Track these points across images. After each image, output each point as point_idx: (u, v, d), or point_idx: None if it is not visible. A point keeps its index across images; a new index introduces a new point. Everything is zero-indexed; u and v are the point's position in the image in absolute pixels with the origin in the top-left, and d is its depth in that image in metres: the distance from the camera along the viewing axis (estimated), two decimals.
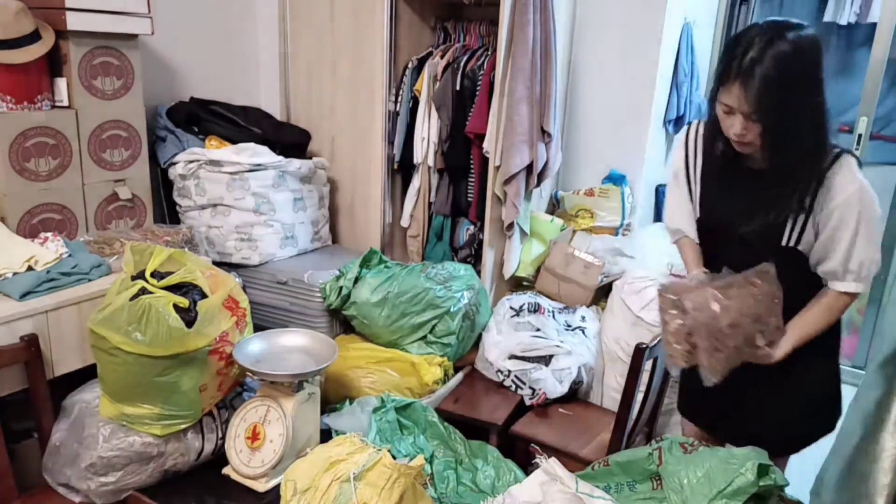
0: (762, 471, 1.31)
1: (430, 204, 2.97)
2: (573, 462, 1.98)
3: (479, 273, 2.75)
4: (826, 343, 1.59)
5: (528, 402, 2.27)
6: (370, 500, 1.36)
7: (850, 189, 1.51)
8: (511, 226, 2.63)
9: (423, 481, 1.50)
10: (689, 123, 1.68)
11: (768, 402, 1.62)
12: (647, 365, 1.89)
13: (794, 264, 1.52)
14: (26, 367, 1.77)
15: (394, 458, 1.88)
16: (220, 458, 1.84)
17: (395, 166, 2.97)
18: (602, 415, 2.28)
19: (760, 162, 1.53)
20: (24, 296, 1.81)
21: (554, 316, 2.50)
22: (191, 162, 2.58)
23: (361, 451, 1.46)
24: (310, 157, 2.87)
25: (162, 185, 2.71)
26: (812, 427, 1.63)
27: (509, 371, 2.32)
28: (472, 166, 2.81)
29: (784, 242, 1.52)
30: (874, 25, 3.03)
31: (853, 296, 1.52)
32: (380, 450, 1.43)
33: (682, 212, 1.69)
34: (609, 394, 2.37)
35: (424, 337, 2.40)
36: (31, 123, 2.09)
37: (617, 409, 1.94)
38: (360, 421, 1.98)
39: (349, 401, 2.12)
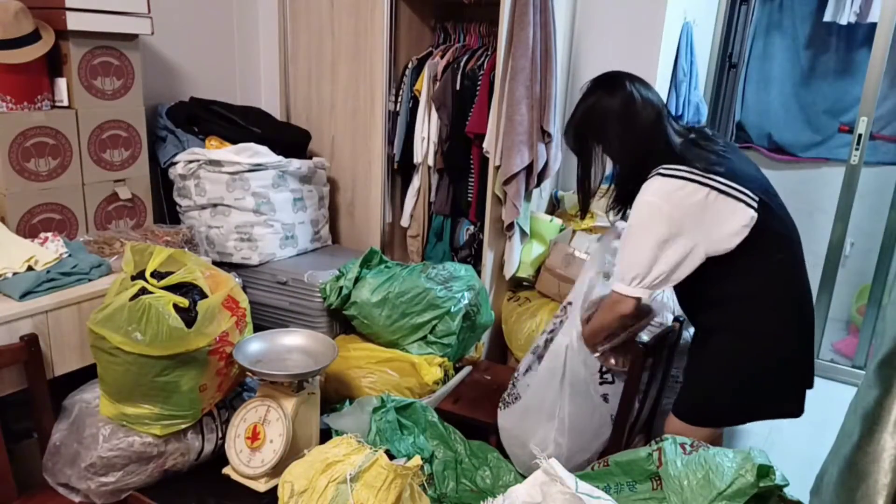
0: (762, 472, 1.31)
1: (430, 204, 2.97)
2: None
3: (479, 273, 2.75)
4: (729, 329, 1.72)
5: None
6: (367, 501, 1.36)
7: (638, 199, 1.69)
8: (511, 226, 2.63)
9: (420, 482, 1.50)
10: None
11: (686, 376, 1.91)
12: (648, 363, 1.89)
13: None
14: (26, 367, 1.77)
15: (394, 458, 1.88)
16: (220, 458, 1.84)
17: (395, 166, 2.97)
18: None
19: None
20: (23, 296, 1.81)
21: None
22: (191, 162, 2.58)
23: (358, 451, 1.46)
24: (310, 157, 2.87)
25: (162, 185, 2.71)
26: (703, 403, 1.80)
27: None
28: (472, 166, 2.81)
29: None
30: (874, 25, 3.04)
31: (624, 297, 1.71)
32: (376, 451, 1.43)
33: None
34: None
35: (425, 337, 2.39)
36: (31, 123, 2.10)
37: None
38: (360, 421, 1.97)
39: (349, 401, 2.12)
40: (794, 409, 1.79)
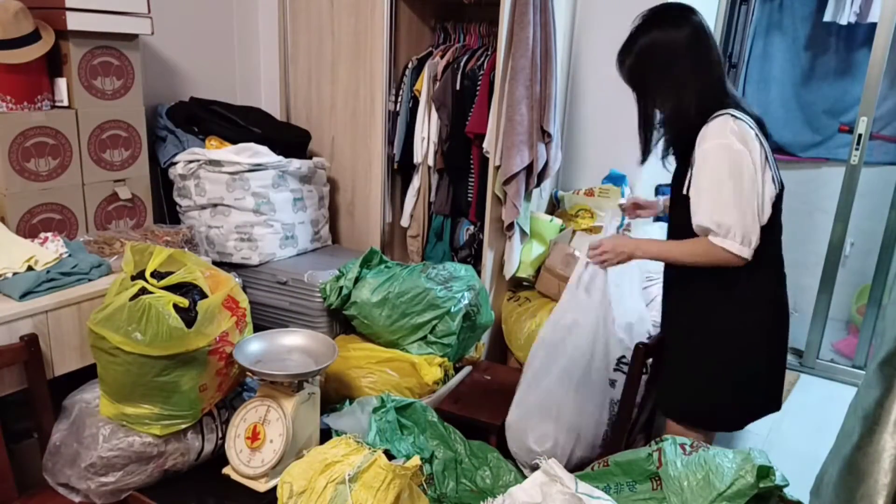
0: (762, 472, 1.32)
1: (430, 204, 2.97)
2: None
3: (479, 273, 2.75)
4: (716, 332, 1.70)
5: None
6: (365, 502, 1.36)
7: (708, 144, 1.56)
8: (511, 226, 2.63)
9: (419, 482, 1.50)
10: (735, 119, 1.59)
11: (667, 372, 1.84)
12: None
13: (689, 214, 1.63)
14: (26, 367, 1.77)
15: (394, 458, 1.88)
16: (220, 458, 1.84)
17: (395, 166, 2.97)
18: None
19: None
20: (23, 296, 1.81)
21: None
22: (191, 162, 2.58)
23: (357, 452, 1.46)
24: (310, 157, 2.87)
25: (162, 185, 2.71)
26: (684, 402, 1.78)
27: None
28: (472, 166, 2.81)
29: (683, 191, 1.65)
30: (874, 25, 3.04)
31: (711, 246, 1.58)
32: (375, 451, 1.43)
33: None
34: None
35: (425, 337, 2.39)
36: (31, 123, 2.10)
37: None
38: (360, 421, 1.97)
39: (349, 401, 2.12)
40: (775, 404, 1.81)
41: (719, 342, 1.72)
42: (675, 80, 1.61)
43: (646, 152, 1.77)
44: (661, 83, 1.64)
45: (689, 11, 1.63)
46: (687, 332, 1.78)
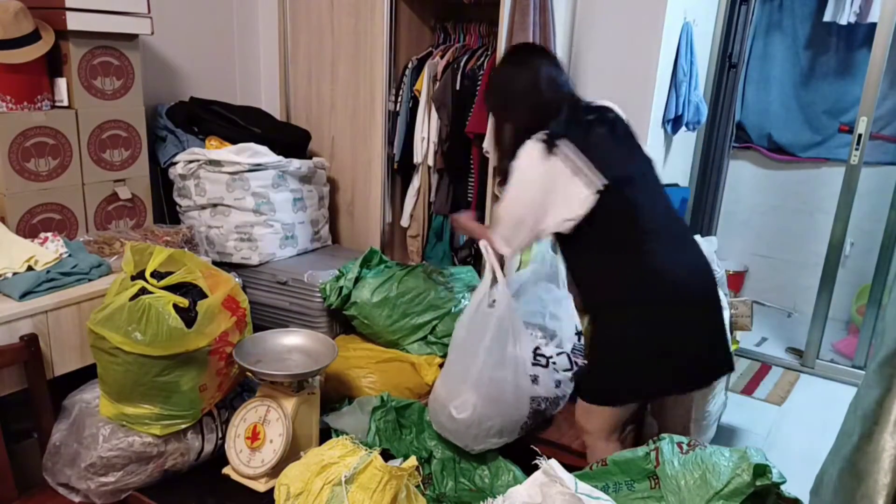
0: (759, 471, 1.32)
1: (430, 204, 2.98)
2: (565, 454, 2.01)
3: (479, 273, 2.75)
4: (607, 313, 1.80)
5: None
6: (362, 503, 1.36)
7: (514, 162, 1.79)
8: None
9: (416, 482, 1.50)
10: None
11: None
12: None
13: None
14: (26, 367, 1.77)
15: (393, 457, 1.89)
16: (220, 458, 1.84)
17: (395, 166, 2.97)
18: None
19: None
20: (23, 296, 1.81)
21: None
22: (191, 162, 2.58)
23: (353, 453, 1.46)
24: (310, 157, 2.87)
25: (162, 185, 2.71)
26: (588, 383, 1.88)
27: None
28: (472, 166, 2.81)
29: None
30: (874, 25, 3.04)
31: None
32: (371, 452, 1.43)
33: None
34: None
35: (425, 337, 2.40)
36: (31, 123, 2.10)
37: None
38: (360, 421, 1.98)
39: (349, 401, 2.12)
40: (690, 385, 1.89)
41: (597, 319, 1.86)
42: (507, 113, 1.89)
43: (503, 171, 1.94)
44: (498, 112, 1.95)
45: (535, 54, 1.89)
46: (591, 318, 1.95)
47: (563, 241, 1.82)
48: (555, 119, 1.77)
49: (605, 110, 1.86)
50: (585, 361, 2.10)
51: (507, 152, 1.85)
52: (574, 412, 2.24)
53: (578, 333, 2.16)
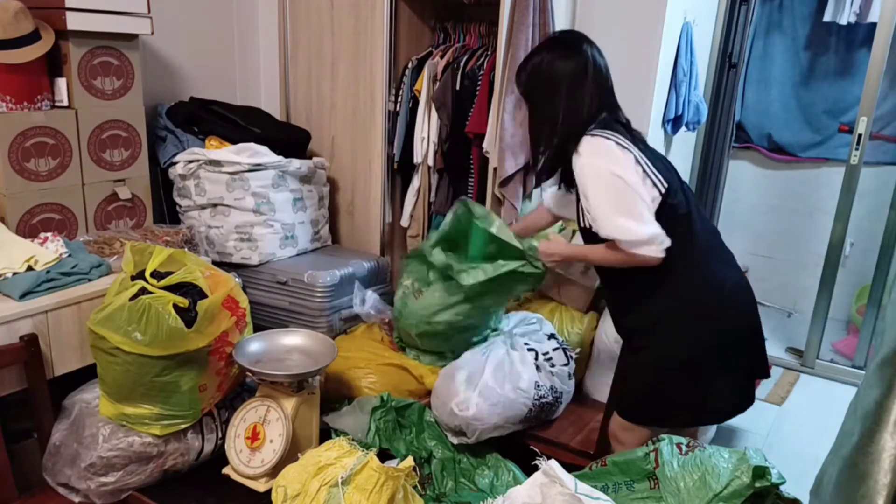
0: (758, 472, 1.32)
1: (430, 204, 2.97)
2: (564, 452, 2.01)
3: None
4: (652, 342, 1.73)
5: None
6: None
7: (577, 164, 1.69)
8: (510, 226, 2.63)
9: (413, 482, 1.50)
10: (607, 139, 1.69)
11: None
12: None
13: (594, 240, 1.73)
14: (26, 367, 1.77)
15: (394, 457, 1.89)
16: (220, 458, 1.84)
17: (395, 166, 2.97)
18: (592, 406, 2.29)
19: None
20: (23, 296, 1.81)
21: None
22: (191, 162, 2.58)
23: (350, 454, 1.46)
24: (310, 157, 2.87)
25: (162, 185, 2.71)
26: (627, 406, 1.81)
27: None
28: (471, 166, 2.81)
29: (581, 224, 1.75)
30: (874, 25, 3.03)
31: (622, 252, 1.66)
32: (367, 453, 1.43)
33: None
34: (601, 388, 2.37)
35: (442, 353, 2.33)
36: (31, 123, 2.10)
37: (607, 400, 2.01)
38: (360, 421, 1.98)
39: (349, 401, 2.12)
40: (742, 404, 1.80)
41: (649, 338, 1.76)
42: (554, 104, 1.72)
43: (536, 163, 1.86)
44: (544, 104, 1.76)
45: (582, 42, 1.75)
46: (626, 333, 1.85)
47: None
48: (602, 117, 1.70)
49: (631, 128, 1.78)
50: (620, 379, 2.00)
51: (547, 147, 1.76)
52: (572, 411, 2.25)
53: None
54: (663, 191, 1.63)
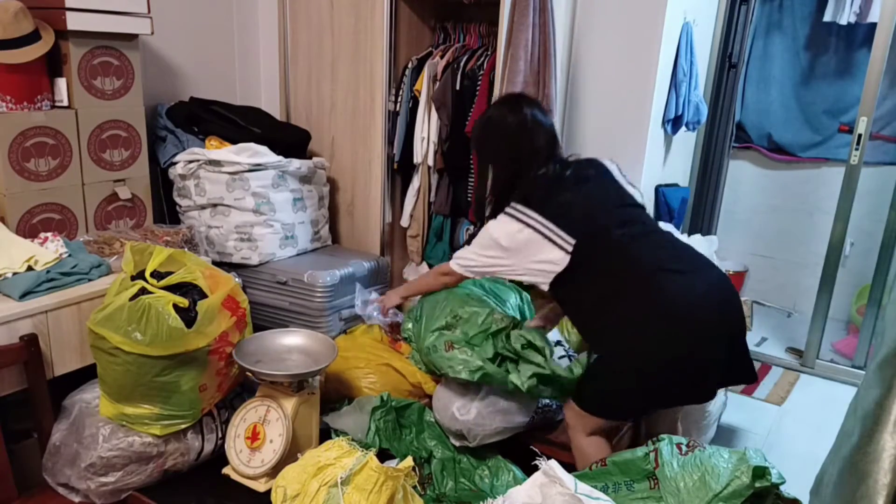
0: (758, 472, 1.32)
1: (430, 204, 2.97)
2: (564, 452, 2.00)
3: None
4: (604, 335, 1.82)
5: None
6: None
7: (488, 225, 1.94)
8: None
9: (413, 483, 1.50)
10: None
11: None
12: None
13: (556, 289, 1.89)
14: (26, 367, 1.77)
15: (393, 457, 1.89)
16: (220, 458, 1.84)
17: (395, 166, 2.97)
18: None
19: None
20: (23, 296, 1.81)
21: None
22: (191, 162, 2.58)
23: (349, 454, 1.46)
24: (310, 157, 2.87)
25: (162, 185, 2.71)
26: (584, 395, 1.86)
27: None
28: (471, 166, 2.81)
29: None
30: (874, 25, 3.03)
31: (454, 273, 1.99)
32: (366, 453, 1.43)
33: None
34: None
35: None
36: (31, 123, 2.10)
37: None
38: (360, 421, 1.98)
39: (349, 401, 2.12)
40: (694, 399, 1.91)
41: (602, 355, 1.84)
42: (495, 154, 2.00)
43: (479, 214, 2.16)
44: (486, 153, 2.05)
45: (524, 103, 1.99)
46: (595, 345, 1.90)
47: (552, 287, 1.86)
48: (534, 170, 1.90)
49: (584, 166, 1.96)
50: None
51: (490, 192, 2.01)
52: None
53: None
54: (570, 248, 1.78)
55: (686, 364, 1.72)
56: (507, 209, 1.88)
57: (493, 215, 1.96)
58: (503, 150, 1.98)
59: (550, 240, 1.80)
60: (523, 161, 1.93)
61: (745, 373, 1.84)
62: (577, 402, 1.85)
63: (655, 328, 1.71)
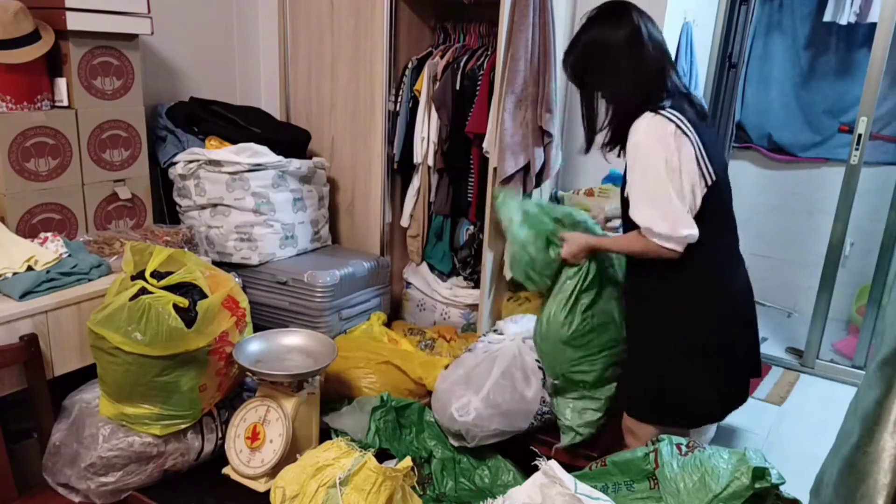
0: (758, 473, 1.32)
1: (429, 204, 2.97)
2: (563, 452, 2.00)
3: (478, 273, 2.75)
4: (654, 325, 1.73)
5: None
6: None
7: (632, 141, 1.64)
8: None
9: (412, 483, 1.50)
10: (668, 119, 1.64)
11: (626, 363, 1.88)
12: None
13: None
14: (26, 367, 1.77)
15: (393, 457, 1.89)
16: (220, 458, 1.84)
17: (395, 166, 2.97)
18: None
19: None
20: (23, 296, 1.82)
21: None
22: (191, 162, 2.58)
23: (348, 455, 1.46)
24: (310, 157, 2.87)
25: (162, 185, 2.71)
26: (635, 400, 1.79)
27: None
28: (471, 166, 2.81)
29: (623, 195, 1.71)
30: (874, 25, 3.04)
31: (646, 240, 1.64)
32: (365, 454, 1.44)
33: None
34: None
35: None
36: (31, 123, 2.10)
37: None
38: (360, 421, 1.98)
39: (349, 401, 2.12)
40: (739, 400, 1.82)
41: (655, 333, 1.75)
42: (614, 75, 1.67)
43: (590, 143, 1.84)
44: (603, 78, 1.71)
45: (629, 10, 1.69)
46: (633, 324, 1.84)
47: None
48: (664, 90, 1.64)
49: (692, 96, 1.74)
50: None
51: (606, 128, 1.73)
52: None
53: None
54: (710, 183, 1.60)
55: (729, 351, 1.71)
56: (658, 109, 1.60)
57: (618, 142, 1.71)
58: (620, 77, 1.66)
59: (699, 162, 1.58)
60: (650, 85, 1.64)
61: (755, 366, 1.83)
62: (633, 413, 1.77)
63: (711, 309, 1.68)
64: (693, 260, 1.63)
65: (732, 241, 1.77)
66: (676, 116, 1.60)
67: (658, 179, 1.58)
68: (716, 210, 1.64)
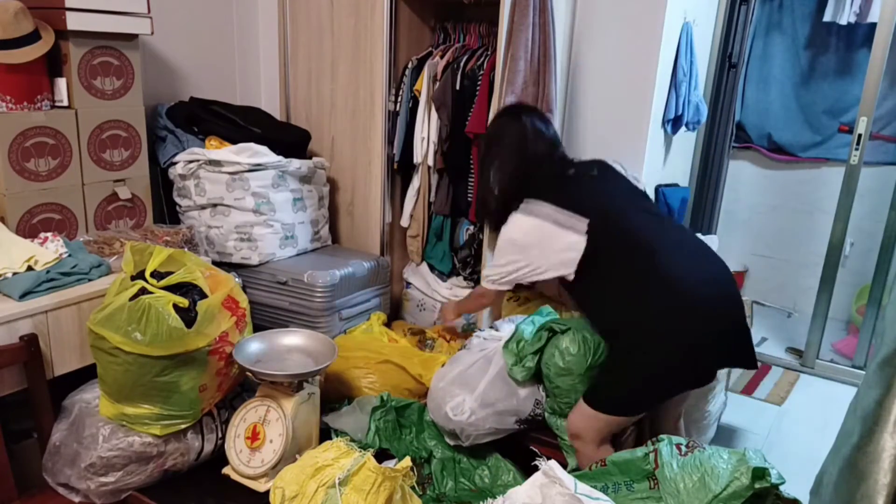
0: (758, 473, 1.32)
1: (429, 204, 2.97)
2: (562, 452, 1.99)
3: (478, 273, 2.75)
4: (621, 336, 1.81)
5: None
6: None
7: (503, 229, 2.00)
8: None
9: (411, 483, 1.50)
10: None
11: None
12: None
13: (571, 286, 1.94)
14: (26, 367, 1.77)
15: (393, 457, 1.89)
16: (220, 458, 1.84)
17: (395, 166, 2.97)
18: None
19: None
20: (23, 296, 1.82)
21: None
22: (191, 162, 2.58)
23: (347, 455, 1.46)
24: (310, 157, 2.87)
25: (162, 185, 2.71)
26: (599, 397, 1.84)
27: None
28: (472, 166, 2.81)
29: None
30: (874, 25, 3.04)
31: (487, 290, 2.09)
32: (364, 454, 1.44)
33: None
34: None
35: None
36: (31, 123, 2.10)
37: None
38: (360, 421, 1.98)
39: (349, 401, 2.12)
40: (700, 382, 1.91)
41: (622, 340, 1.83)
42: (497, 160, 2.07)
43: (481, 221, 2.27)
44: (491, 159, 2.10)
45: (523, 112, 2.11)
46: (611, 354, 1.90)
47: (571, 283, 1.89)
48: (538, 171, 1.97)
49: (588, 165, 2.03)
50: None
51: (494, 201, 2.06)
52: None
53: None
54: (585, 228, 1.82)
55: (701, 347, 1.75)
56: (518, 208, 1.93)
57: (502, 220, 1.99)
58: (506, 162, 2.04)
59: (564, 226, 1.85)
60: (527, 168, 1.99)
61: (746, 357, 1.84)
62: (593, 404, 1.82)
63: (674, 314, 1.72)
64: (631, 276, 1.79)
65: (669, 249, 1.81)
66: (529, 203, 1.92)
67: (503, 251, 1.98)
68: (618, 236, 1.83)
